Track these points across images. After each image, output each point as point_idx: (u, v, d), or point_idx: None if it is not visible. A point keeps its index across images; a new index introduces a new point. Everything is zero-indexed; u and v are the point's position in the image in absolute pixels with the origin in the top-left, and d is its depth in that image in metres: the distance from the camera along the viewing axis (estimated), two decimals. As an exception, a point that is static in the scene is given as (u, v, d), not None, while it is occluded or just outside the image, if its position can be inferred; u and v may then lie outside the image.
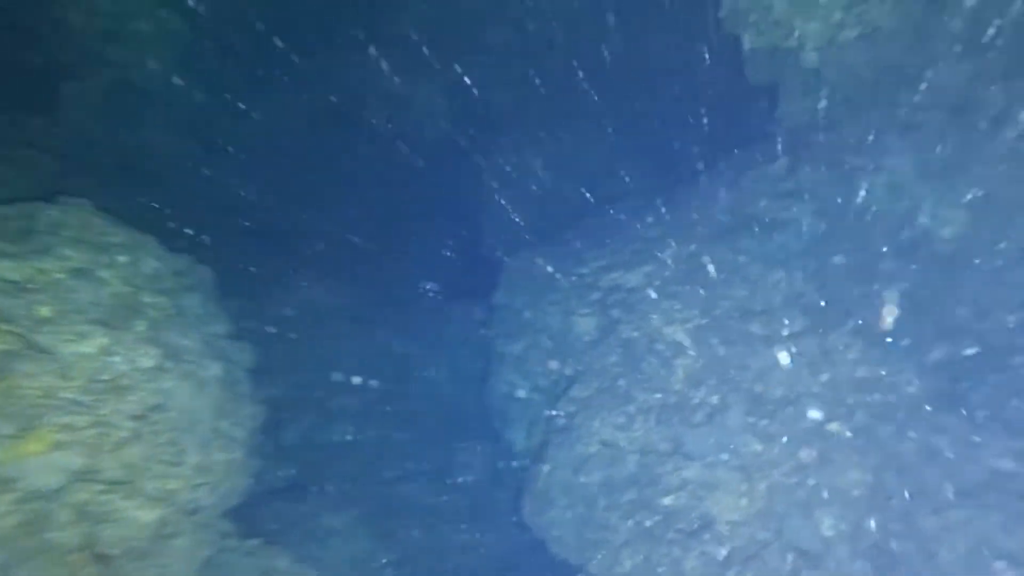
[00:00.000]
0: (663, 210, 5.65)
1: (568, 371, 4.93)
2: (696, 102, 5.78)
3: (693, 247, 5.05)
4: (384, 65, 5.98)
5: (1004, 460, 3.48)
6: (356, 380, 5.46)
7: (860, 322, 4.40)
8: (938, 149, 4.97)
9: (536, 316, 5.41)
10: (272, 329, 4.69)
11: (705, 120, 5.70)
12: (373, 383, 5.51)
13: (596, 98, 6.47)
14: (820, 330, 4.13)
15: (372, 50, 6.01)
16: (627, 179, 6.16)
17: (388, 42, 6.19)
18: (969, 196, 4.85)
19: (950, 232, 4.85)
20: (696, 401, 3.94)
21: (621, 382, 4.32)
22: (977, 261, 4.73)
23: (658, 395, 4.08)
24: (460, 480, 5.24)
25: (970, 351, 4.41)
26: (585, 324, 5.02)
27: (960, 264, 4.77)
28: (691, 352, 4.27)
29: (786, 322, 4.20)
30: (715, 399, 3.90)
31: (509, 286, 5.80)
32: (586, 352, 4.84)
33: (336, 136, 6.46)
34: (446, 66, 6.27)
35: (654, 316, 4.68)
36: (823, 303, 4.32)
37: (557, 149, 6.58)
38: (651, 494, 3.67)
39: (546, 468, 4.26)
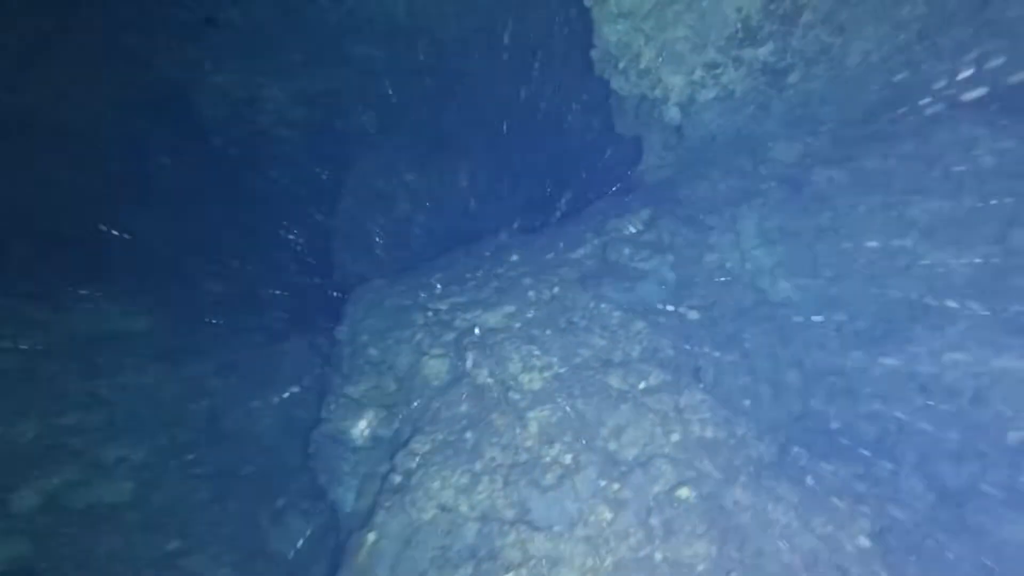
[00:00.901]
0: (528, 250, 5.40)
1: (413, 419, 4.34)
2: (568, 145, 5.70)
3: (556, 290, 4.82)
4: (220, 58, 5.13)
5: (827, 528, 3.50)
6: (146, 424, 4.36)
7: (710, 380, 4.39)
8: (776, 218, 5.31)
9: (383, 354, 4.79)
10: (17, 358, 3.54)
11: (575, 163, 5.62)
12: (170, 428, 4.44)
13: (466, 131, 6.17)
14: (674, 387, 4.00)
15: (207, 39, 5.14)
16: (494, 216, 5.87)
17: (228, 32, 5.36)
18: (799, 266, 5.19)
19: (783, 297, 5.12)
20: (548, 460, 3.55)
21: (469, 435, 3.82)
22: (806, 328, 5.01)
23: (508, 452, 3.63)
24: (270, 552, 4.31)
25: (797, 415, 4.57)
26: (437, 366, 4.50)
27: (792, 329, 5.02)
28: (547, 404, 3.92)
29: (643, 376, 4.03)
30: (568, 458, 3.54)
31: (356, 319, 5.12)
32: (435, 398, 4.30)
33: (154, 131, 5.41)
34: (300, 71, 5.58)
35: (512, 361, 4.30)
36: (678, 359, 4.23)
37: (422, 178, 6.14)
38: (489, 570, 3.16)
39: (372, 537, 3.58)
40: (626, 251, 4.94)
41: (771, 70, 4.51)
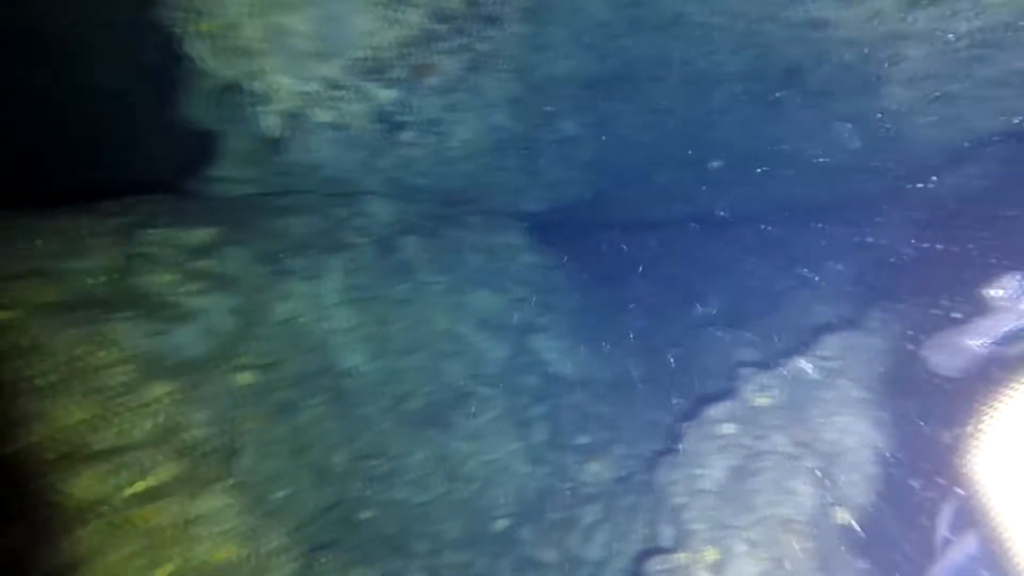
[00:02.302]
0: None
1: None
2: (97, 102, 3.82)
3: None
4: None
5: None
6: None
7: (247, 467, 3.28)
8: (362, 278, 4.86)
9: None
10: None
11: (103, 131, 3.78)
12: None
13: None
14: (193, 484, 2.73)
15: None
16: None
17: None
18: (374, 334, 4.83)
19: (351, 365, 4.61)
20: None
21: None
22: (365, 403, 4.60)
23: None
24: None
25: (331, 504, 4.00)
26: None
27: (352, 402, 4.52)
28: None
29: (145, 471, 2.60)
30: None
31: None
32: None
33: None
34: None
35: None
36: (211, 440, 2.99)
37: None
38: None
39: None
40: (168, 277, 3.44)
41: (390, 119, 4.13)
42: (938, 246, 3.61)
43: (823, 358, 2.40)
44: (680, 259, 7.45)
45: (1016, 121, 3.74)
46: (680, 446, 2.61)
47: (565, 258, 6.71)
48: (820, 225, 5.99)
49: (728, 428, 2.44)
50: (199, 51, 3.40)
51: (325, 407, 4.24)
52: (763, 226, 6.81)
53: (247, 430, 3.44)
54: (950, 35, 2.63)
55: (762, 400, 2.46)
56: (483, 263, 5.98)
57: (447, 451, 4.69)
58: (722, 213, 7.04)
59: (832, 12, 3.25)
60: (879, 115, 4.07)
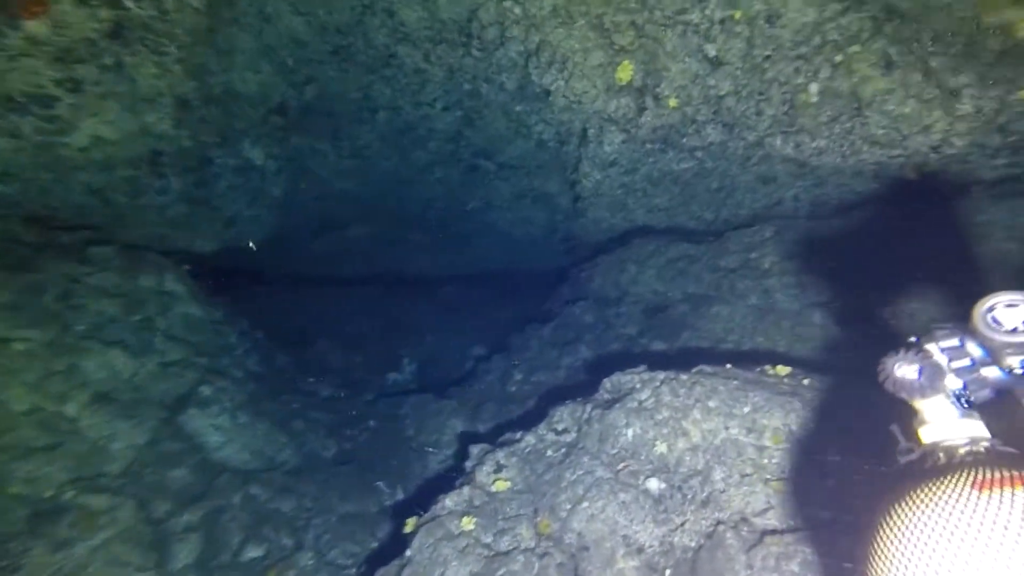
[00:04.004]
0: None
1: None
2: None
3: None
4: None
5: None
6: None
7: None
8: None
9: None
10: None
11: None
12: None
13: None
14: None
15: None
16: None
17: None
18: None
19: None
20: None
21: None
22: None
23: None
24: None
25: None
26: None
27: None
28: None
29: None
30: None
31: None
32: None
33: None
34: None
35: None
36: None
37: None
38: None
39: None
40: None
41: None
42: (611, 323, 4.03)
43: (557, 431, 2.20)
44: (373, 319, 6.96)
45: (649, 223, 4.57)
46: (408, 552, 2.00)
47: (239, 313, 5.44)
48: (513, 292, 6.35)
49: (467, 524, 1.97)
50: None
51: None
52: (459, 289, 6.92)
53: None
54: (640, 129, 2.97)
55: (500, 484, 2.09)
56: (116, 314, 4.34)
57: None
58: (417, 272, 6.92)
59: (554, 84, 3.36)
60: (566, 195, 4.50)
